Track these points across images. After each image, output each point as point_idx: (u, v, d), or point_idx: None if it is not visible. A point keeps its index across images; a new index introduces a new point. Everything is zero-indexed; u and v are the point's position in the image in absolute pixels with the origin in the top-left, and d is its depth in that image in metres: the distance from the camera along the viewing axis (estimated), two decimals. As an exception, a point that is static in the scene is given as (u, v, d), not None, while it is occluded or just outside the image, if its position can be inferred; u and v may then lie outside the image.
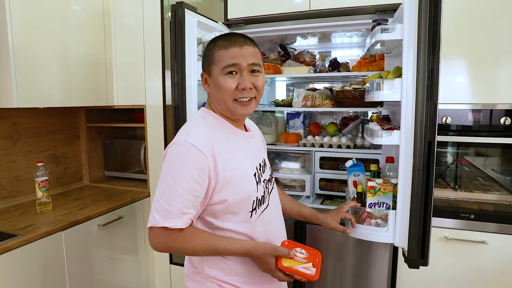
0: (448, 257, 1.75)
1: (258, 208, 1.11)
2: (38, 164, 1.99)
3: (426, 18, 1.23)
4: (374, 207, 1.48)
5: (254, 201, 1.09)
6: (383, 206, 1.47)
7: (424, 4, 1.23)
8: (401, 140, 1.34)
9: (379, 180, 1.50)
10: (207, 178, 1.00)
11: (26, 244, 1.62)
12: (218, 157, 1.02)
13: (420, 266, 1.34)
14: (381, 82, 1.39)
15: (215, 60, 1.07)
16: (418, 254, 1.33)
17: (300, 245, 1.13)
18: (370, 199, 1.48)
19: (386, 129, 1.44)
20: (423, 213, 1.31)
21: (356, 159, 1.74)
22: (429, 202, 1.31)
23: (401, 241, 1.38)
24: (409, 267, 1.35)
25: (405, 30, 1.30)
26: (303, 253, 1.10)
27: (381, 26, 1.41)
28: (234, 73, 1.05)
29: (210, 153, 1.01)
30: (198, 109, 1.60)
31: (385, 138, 1.40)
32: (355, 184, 1.65)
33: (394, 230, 1.39)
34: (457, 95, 1.73)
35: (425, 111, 1.27)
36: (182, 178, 0.98)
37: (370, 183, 1.48)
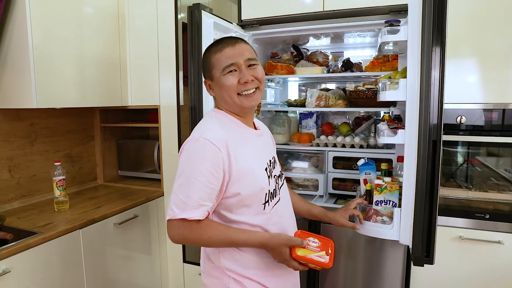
0: (463, 257, 1.75)
1: (271, 201, 1.16)
2: (56, 164, 2.03)
3: (430, 19, 1.25)
4: (381, 205, 1.52)
5: (266, 194, 1.14)
6: (389, 204, 1.51)
7: (428, 6, 1.25)
8: (406, 140, 1.36)
9: (388, 179, 1.54)
10: (221, 171, 1.05)
11: (47, 242, 1.66)
12: (231, 151, 1.07)
13: (425, 264, 1.36)
14: (387, 82, 1.44)
15: (213, 64, 1.13)
16: (423, 252, 1.35)
17: (312, 235, 1.16)
18: (376, 197, 1.53)
19: (391, 128, 1.48)
20: (428, 212, 1.33)
21: (370, 158, 1.76)
22: (434, 201, 1.33)
23: (406, 239, 1.41)
24: (414, 264, 1.38)
25: (409, 31, 1.33)
26: (316, 242, 1.14)
27: (387, 27, 1.46)
28: (234, 71, 1.12)
29: (224, 147, 1.06)
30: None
31: (389, 137, 1.45)
32: (365, 182, 1.68)
33: (399, 228, 1.42)
34: (470, 95, 1.72)
35: (429, 111, 1.28)
36: (199, 172, 1.03)
37: (377, 181, 1.52)
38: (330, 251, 1.13)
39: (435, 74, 1.29)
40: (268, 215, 1.15)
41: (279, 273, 1.18)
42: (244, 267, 1.13)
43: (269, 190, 1.15)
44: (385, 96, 1.44)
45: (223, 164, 1.05)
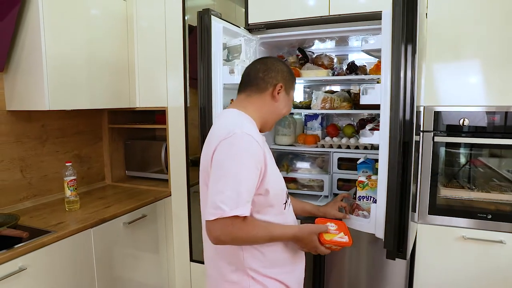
0: (466, 257, 1.78)
1: (287, 200, 1.24)
2: (67, 164, 2.07)
3: (399, 30, 1.32)
4: (363, 200, 1.65)
5: (285, 193, 1.22)
6: (370, 200, 1.62)
7: (397, 18, 1.32)
8: (380, 140, 1.45)
9: (375, 177, 1.63)
10: (260, 168, 1.08)
11: (60, 240, 1.70)
12: (264, 149, 1.12)
13: (396, 258, 1.44)
14: (366, 87, 1.54)
15: (293, 88, 1.31)
16: (395, 246, 1.42)
17: (329, 220, 1.31)
18: (359, 193, 1.66)
19: (370, 130, 1.58)
20: (399, 208, 1.40)
21: (369, 158, 1.82)
22: (407, 199, 1.39)
23: (380, 233, 1.48)
24: (386, 257, 1.46)
25: (383, 40, 1.40)
26: (333, 226, 1.27)
27: (364, 36, 1.58)
28: None
29: (263, 144, 1.11)
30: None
31: (367, 138, 1.56)
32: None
33: (375, 222, 1.50)
34: (472, 97, 1.75)
35: (399, 114, 1.35)
36: (245, 168, 1.03)
37: (360, 178, 1.65)
38: (347, 231, 1.26)
39: (406, 78, 1.34)
40: (285, 215, 1.22)
41: (293, 269, 1.24)
42: (265, 266, 1.16)
43: (285, 190, 1.24)
44: (364, 100, 1.54)
45: (262, 161, 1.08)
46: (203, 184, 1.17)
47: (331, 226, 1.26)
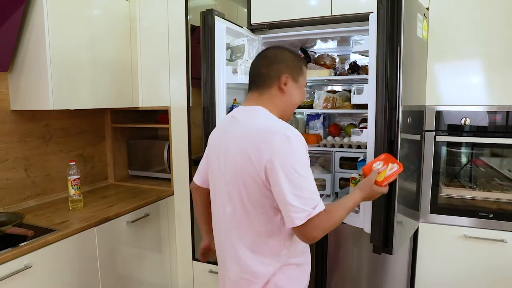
0: (467, 255, 1.79)
1: None
2: (71, 163, 2.09)
3: (383, 33, 1.36)
4: None
5: None
6: None
7: (382, 21, 1.36)
8: (368, 138, 1.50)
9: None
10: None
11: (64, 239, 1.72)
12: None
13: (382, 253, 1.48)
14: (356, 88, 1.61)
15: (303, 73, 1.25)
16: (381, 241, 1.46)
17: (373, 161, 1.32)
18: (351, 189, 1.68)
19: (360, 128, 1.62)
20: (385, 203, 1.43)
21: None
22: (392, 196, 1.42)
23: (368, 227, 1.51)
24: (373, 251, 1.49)
25: (370, 41, 1.44)
26: (380, 163, 1.30)
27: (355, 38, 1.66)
28: None
29: None
30: (226, 110, 1.69)
31: (357, 136, 1.62)
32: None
33: (364, 217, 1.54)
34: (474, 97, 1.76)
35: (384, 113, 1.39)
36: (307, 166, 1.07)
37: (352, 175, 1.69)
38: (394, 160, 1.30)
39: (392, 78, 1.37)
40: None
41: (307, 259, 1.27)
42: (291, 256, 1.19)
43: None
44: (354, 99, 1.60)
45: None
46: (239, 183, 1.13)
47: (378, 165, 1.29)
